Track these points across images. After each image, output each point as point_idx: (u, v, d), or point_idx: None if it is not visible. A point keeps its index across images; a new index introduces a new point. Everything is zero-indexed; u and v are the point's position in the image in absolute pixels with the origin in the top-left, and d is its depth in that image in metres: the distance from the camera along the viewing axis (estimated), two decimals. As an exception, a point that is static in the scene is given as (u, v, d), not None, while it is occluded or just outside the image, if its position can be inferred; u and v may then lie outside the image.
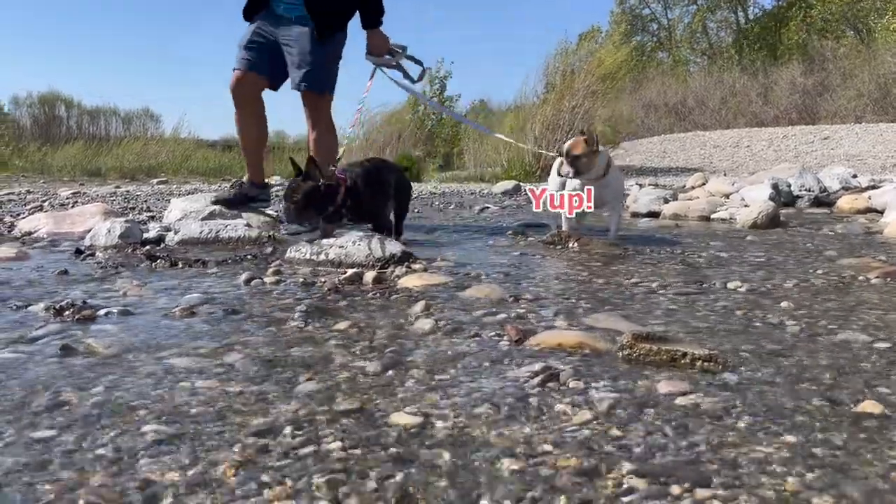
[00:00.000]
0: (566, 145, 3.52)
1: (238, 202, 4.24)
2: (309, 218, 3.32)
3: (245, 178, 4.43)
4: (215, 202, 4.20)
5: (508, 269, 2.79)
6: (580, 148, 3.43)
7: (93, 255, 3.06)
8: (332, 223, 3.37)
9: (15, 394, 1.31)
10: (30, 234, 3.85)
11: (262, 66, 4.13)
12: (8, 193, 8.06)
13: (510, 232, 4.08)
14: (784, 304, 2.10)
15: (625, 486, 0.96)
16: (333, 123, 4.25)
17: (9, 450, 1.07)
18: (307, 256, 2.86)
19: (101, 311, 1.96)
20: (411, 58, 4.36)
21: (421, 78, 4.47)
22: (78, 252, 3.11)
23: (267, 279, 2.47)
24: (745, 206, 5.12)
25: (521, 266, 2.88)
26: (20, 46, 78.29)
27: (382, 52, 4.23)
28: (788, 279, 2.51)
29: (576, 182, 3.53)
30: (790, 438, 1.11)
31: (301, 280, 2.47)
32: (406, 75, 4.37)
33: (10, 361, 1.51)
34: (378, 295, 2.27)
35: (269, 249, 3.25)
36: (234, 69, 4.16)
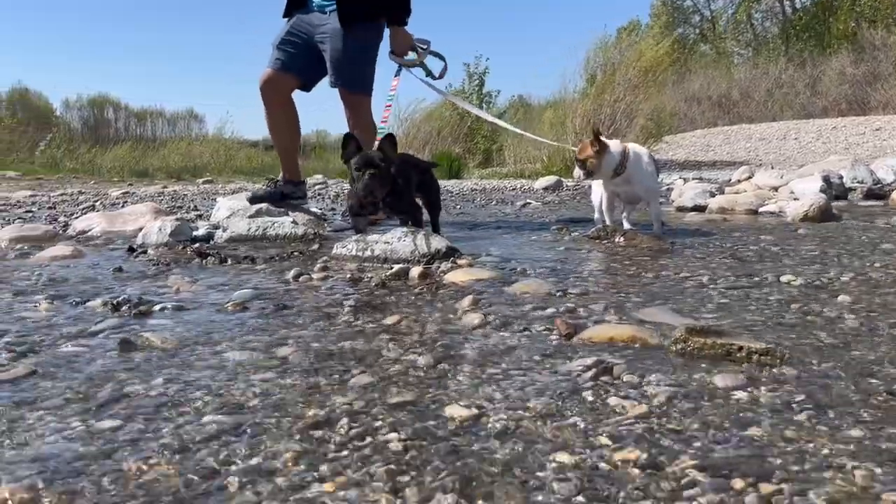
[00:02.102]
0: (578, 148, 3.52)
1: (273, 199, 4.26)
2: (379, 194, 3.12)
3: (280, 176, 4.47)
4: (251, 200, 4.24)
5: (554, 264, 2.77)
6: (587, 150, 3.42)
7: (145, 252, 3.13)
8: (364, 215, 3.31)
9: (79, 386, 1.35)
10: (84, 232, 3.96)
11: (293, 65, 4.13)
12: (61, 194, 8.30)
13: (554, 227, 4.05)
14: (841, 297, 2.05)
15: (686, 479, 0.95)
16: (374, 124, 4.17)
17: (76, 439, 1.10)
18: (353, 253, 2.89)
19: (157, 307, 2.00)
20: (435, 53, 4.32)
21: (442, 75, 4.42)
22: (131, 250, 3.19)
23: (315, 275, 2.50)
24: (795, 199, 5.00)
25: (568, 261, 2.86)
26: (70, 51, 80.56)
27: (405, 51, 4.19)
28: (844, 273, 2.44)
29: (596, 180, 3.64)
30: (856, 433, 1.08)
31: (348, 276, 2.49)
32: (428, 73, 4.32)
33: (73, 355, 1.56)
34: (425, 290, 2.27)
35: (316, 246, 3.29)
36: (266, 68, 4.17)
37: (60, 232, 4.07)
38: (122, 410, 1.22)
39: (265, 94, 4.18)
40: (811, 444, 1.05)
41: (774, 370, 1.39)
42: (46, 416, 1.19)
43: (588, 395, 1.28)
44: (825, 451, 1.03)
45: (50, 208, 6.19)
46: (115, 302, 2.02)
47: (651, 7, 34.45)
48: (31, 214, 5.54)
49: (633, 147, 3.54)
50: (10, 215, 5.44)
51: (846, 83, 22.54)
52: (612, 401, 1.24)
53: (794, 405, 1.20)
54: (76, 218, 4.60)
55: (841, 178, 5.92)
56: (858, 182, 5.92)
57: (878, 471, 0.96)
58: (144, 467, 1.00)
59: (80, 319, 1.89)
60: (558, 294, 2.14)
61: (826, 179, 5.66)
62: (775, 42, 31.21)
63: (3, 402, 1.26)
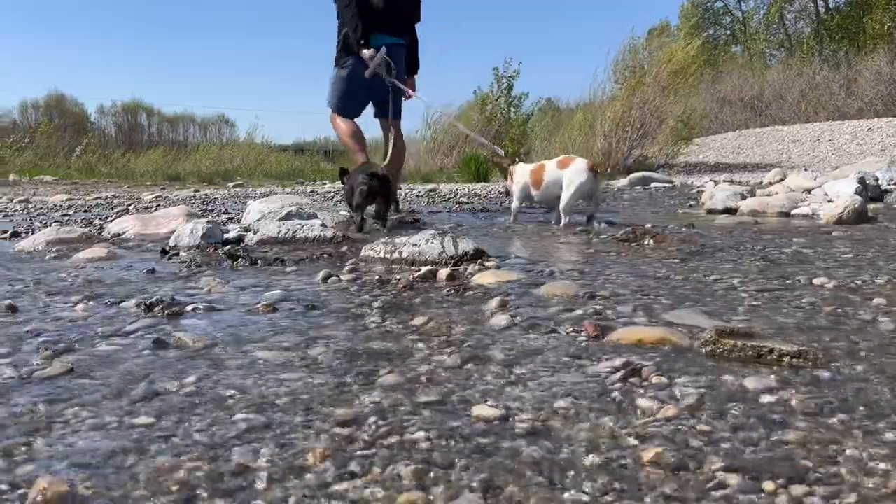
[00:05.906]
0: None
1: None
2: None
3: None
4: None
5: (582, 266, 2.76)
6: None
7: (177, 254, 3.18)
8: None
9: (114, 383, 1.38)
10: (118, 235, 4.03)
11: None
12: (96, 198, 8.47)
13: (581, 229, 4.03)
14: (876, 300, 2.01)
15: (715, 480, 0.94)
16: (340, 131, 5.29)
17: (111, 435, 1.13)
18: (381, 255, 2.91)
19: (189, 308, 2.04)
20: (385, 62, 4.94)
21: (390, 73, 4.97)
22: (163, 252, 3.24)
23: (343, 277, 2.52)
24: (829, 201, 4.92)
25: (596, 263, 2.85)
26: (105, 58, 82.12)
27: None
28: (879, 275, 2.40)
29: None
30: (890, 436, 1.07)
31: (376, 278, 2.51)
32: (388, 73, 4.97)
33: (108, 353, 1.59)
34: (452, 292, 2.28)
35: (344, 248, 3.31)
36: None
37: (96, 234, 4.15)
38: (156, 407, 1.25)
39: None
40: (845, 447, 1.03)
41: (806, 373, 1.37)
42: (82, 413, 1.22)
43: (616, 396, 1.27)
44: (859, 454, 1.01)
45: (85, 211, 6.32)
46: (148, 302, 2.05)
47: (681, 8, 34.11)
48: (67, 217, 5.66)
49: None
50: (47, 218, 5.57)
51: (882, 83, 22.08)
52: (641, 402, 1.23)
53: (826, 408, 1.19)
54: (111, 221, 4.69)
55: (877, 179, 5.81)
56: (895, 184, 5.80)
57: (914, 475, 0.94)
58: (177, 463, 1.02)
59: (115, 319, 1.93)
60: (586, 296, 2.14)
61: (861, 181, 5.55)
62: (808, 42, 30.69)
63: (42, 398, 1.29)
